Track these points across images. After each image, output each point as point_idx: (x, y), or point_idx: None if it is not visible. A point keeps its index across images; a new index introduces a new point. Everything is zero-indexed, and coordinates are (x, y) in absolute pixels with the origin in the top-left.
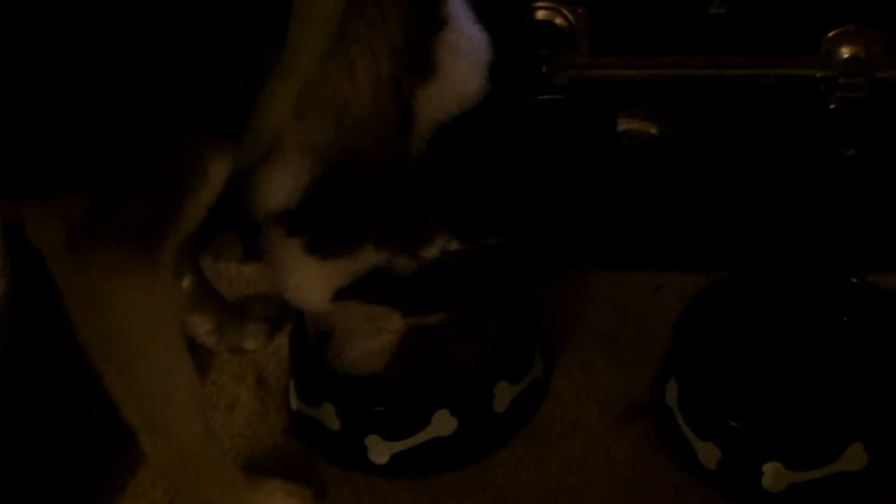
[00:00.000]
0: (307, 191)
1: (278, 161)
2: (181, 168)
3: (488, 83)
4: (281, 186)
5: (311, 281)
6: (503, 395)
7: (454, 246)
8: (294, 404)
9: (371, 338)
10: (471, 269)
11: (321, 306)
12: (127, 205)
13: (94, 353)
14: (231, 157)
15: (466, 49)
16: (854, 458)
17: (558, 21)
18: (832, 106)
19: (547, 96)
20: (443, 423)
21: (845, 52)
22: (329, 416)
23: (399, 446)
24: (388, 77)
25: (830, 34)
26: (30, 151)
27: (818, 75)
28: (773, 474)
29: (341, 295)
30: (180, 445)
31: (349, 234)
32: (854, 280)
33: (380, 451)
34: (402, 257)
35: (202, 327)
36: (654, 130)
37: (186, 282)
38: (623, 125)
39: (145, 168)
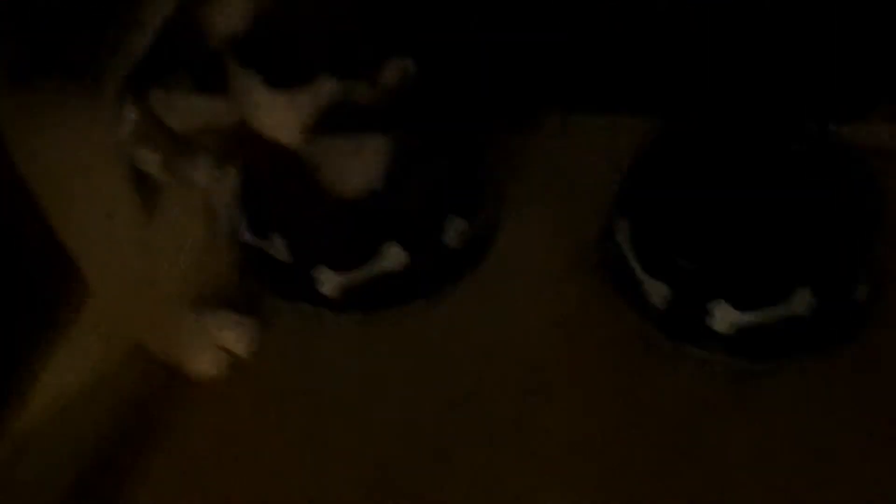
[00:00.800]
0: (256, 14)
1: None
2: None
3: None
4: (232, 7)
5: (277, 116)
6: (454, 229)
7: (407, 65)
8: (243, 237)
9: (356, 156)
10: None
11: (293, 140)
12: (68, 42)
13: (37, 187)
14: None
15: None
16: (801, 301)
17: None
18: None
19: None
20: (393, 256)
21: None
22: (279, 247)
23: (348, 279)
24: None
25: None
26: None
27: None
28: (720, 314)
29: (312, 129)
30: (123, 279)
31: (303, 64)
32: (813, 127)
33: (329, 282)
34: (361, 85)
35: (151, 160)
36: None
37: (134, 116)
38: None
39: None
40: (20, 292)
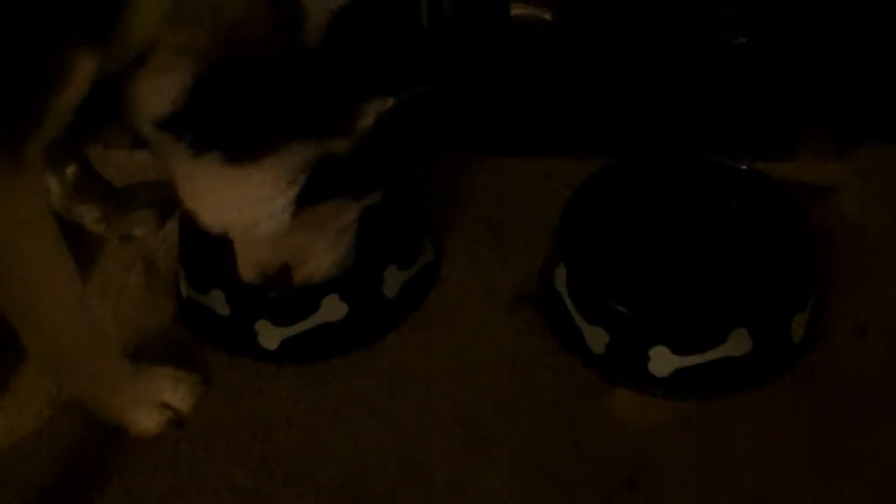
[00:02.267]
0: (192, 92)
1: (156, 66)
2: (46, 68)
3: None
4: (163, 90)
5: (254, 197)
6: (393, 279)
7: (389, 104)
8: (184, 291)
9: (334, 237)
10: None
11: (281, 226)
12: None
13: None
14: (97, 57)
15: None
16: (738, 342)
17: None
18: None
19: None
20: (332, 308)
21: None
22: (219, 301)
23: (289, 331)
24: None
25: None
26: None
27: None
28: (659, 359)
29: (301, 201)
30: (61, 343)
31: (268, 130)
32: (742, 168)
33: (269, 336)
34: (339, 139)
35: (89, 215)
36: (547, 17)
37: (71, 171)
38: (516, 10)
39: (6, 68)
40: None
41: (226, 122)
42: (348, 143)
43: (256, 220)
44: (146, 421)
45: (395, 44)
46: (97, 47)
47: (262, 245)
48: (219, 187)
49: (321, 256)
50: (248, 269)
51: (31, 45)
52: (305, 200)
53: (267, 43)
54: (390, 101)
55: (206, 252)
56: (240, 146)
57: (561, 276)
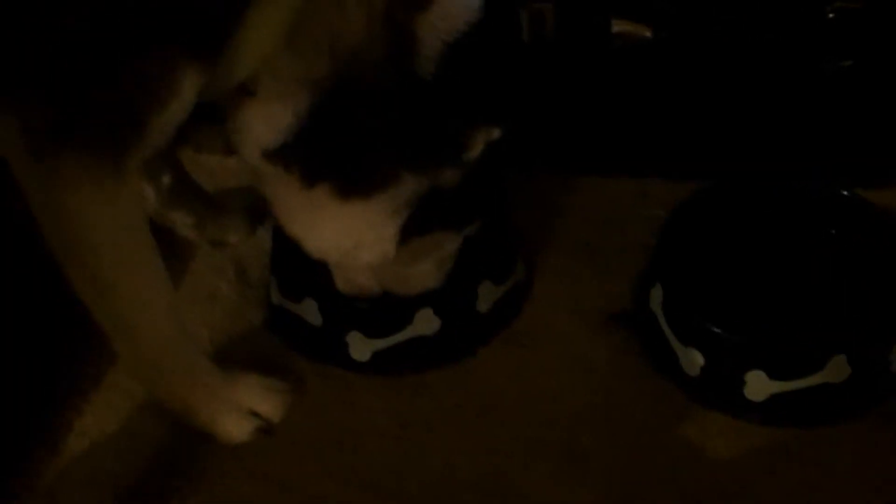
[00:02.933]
0: (306, 122)
1: (269, 94)
2: (151, 79)
3: None
4: (275, 119)
5: (362, 229)
6: (486, 295)
7: (496, 134)
8: (275, 299)
9: (434, 267)
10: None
11: (385, 256)
12: (92, 114)
13: (63, 261)
14: (204, 76)
15: None
16: (837, 369)
17: None
18: (830, 16)
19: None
20: (425, 322)
21: None
22: (311, 311)
23: (380, 344)
24: (382, 7)
25: None
26: None
27: None
28: (755, 383)
29: (406, 232)
30: (152, 349)
31: (381, 162)
32: (843, 193)
33: (361, 347)
34: (447, 170)
35: (183, 221)
36: (647, 33)
37: (166, 178)
38: (617, 27)
39: (113, 77)
40: (52, 347)
41: (339, 154)
42: (456, 175)
43: (361, 251)
44: (235, 428)
45: (502, 73)
46: (205, 64)
47: (362, 271)
48: (326, 218)
49: (420, 284)
50: (346, 288)
51: (136, 57)
52: (410, 232)
53: (382, 73)
54: (497, 131)
55: (299, 261)
56: (353, 179)
57: (656, 297)
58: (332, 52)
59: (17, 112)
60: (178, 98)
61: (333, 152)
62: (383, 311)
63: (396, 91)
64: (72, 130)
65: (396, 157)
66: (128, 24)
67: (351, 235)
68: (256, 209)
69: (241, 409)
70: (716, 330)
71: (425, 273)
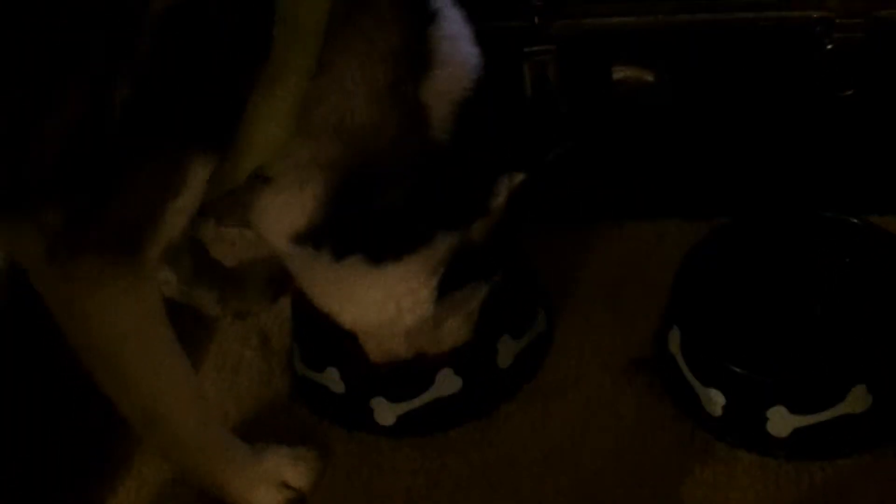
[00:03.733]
0: (329, 204)
1: (286, 181)
2: (160, 176)
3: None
4: (301, 206)
5: (398, 294)
6: (506, 350)
7: (519, 178)
8: (298, 369)
9: (465, 318)
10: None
11: (423, 318)
12: (104, 213)
13: (84, 358)
14: (213, 163)
15: (458, 31)
16: (857, 399)
17: None
18: (829, 47)
19: (541, 47)
20: (447, 382)
21: None
22: (333, 379)
23: (404, 407)
24: (385, 83)
25: None
26: None
27: (815, 16)
28: (777, 419)
29: (441, 290)
30: (178, 434)
31: (410, 227)
32: (855, 221)
33: (385, 412)
34: (477, 222)
35: (206, 298)
36: (650, 78)
37: (186, 261)
38: (618, 74)
39: (122, 175)
40: (83, 423)
41: (366, 227)
42: (485, 225)
43: (400, 317)
44: (267, 500)
45: (514, 118)
46: (213, 156)
47: (396, 337)
48: (361, 288)
49: (451, 341)
50: (379, 357)
51: (145, 155)
52: (445, 288)
53: (396, 146)
54: (519, 176)
55: (320, 329)
56: (383, 247)
57: (675, 339)
58: (341, 134)
59: (32, 219)
60: (189, 190)
61: (360, 226)
62: (405, 374)
63: (416, 158)
64: (88, 233)
65: (425, 220)
66: (136, 124)
67: (389, 302)
68: (277, 278)
69: (272, 480)
70: (734, 369)
71: (455, 328)
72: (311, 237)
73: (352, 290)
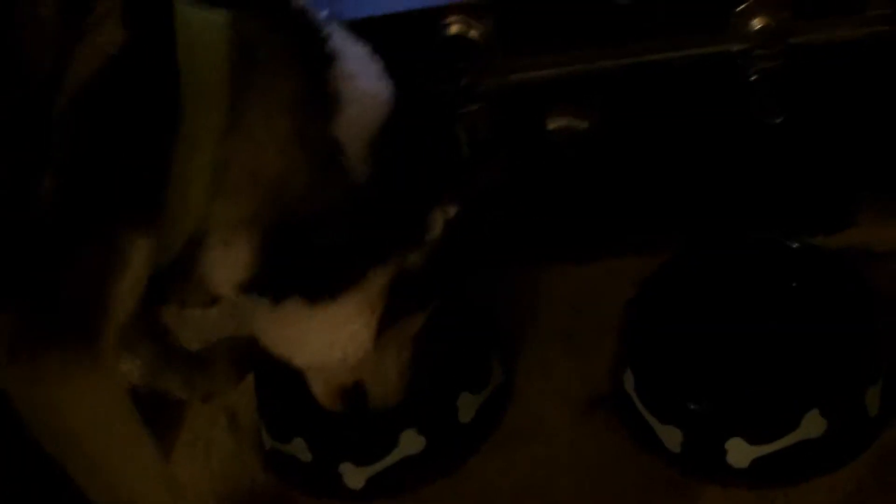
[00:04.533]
0: (261, 256)
1: (218, 243)
2: (99, 258)
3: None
4: (234, 262)
5: (342, 332)
6: (467, 405)
7: (453, 211)
8: (266, 443)
9: (402, 345)
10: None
11: (367, 351)
12: (54, 308)
13: (52, 451)
14: (150, 239)
15: (360, 69)
16: (812, 425)
17: (471, 33)
18: (752, 78)
19: (471, 107)
20: (411, 442)
21: (756, 24)
22: (301, 449)
23: (372, 469)
24: (292, 130)
25: (738, 8)
26: None
27: (735, 49)
28: (737, 450)
29: (381, 327)
30: None
31: (344, 266)
32: (796, 245)
33: (354, 476)
34: (412, 254)
35: (172, 383)
36: (584, 125)
37: (147, 348)
38: (552, 124)
39: (63, 266)
40: None
41: (300, 269)
42: (421, 256)
43: (346, 354)
44: None
45: (442, 150)
46: (146, 230)
47: (341, 370)
48: (303, 330)
49: (391, 368)
50: (326, 395)
51: (82, 243)
52: (386, 322)
53: (314, 190)
54: (453, 208)
55: (285, 401)
56: (318, 287)
57: (629, 380)
58: (257, 188)
59: None
60: (131, 270)
61: (294, 268)
62: (369, 437)
63: (337, 199)
64: (40, 329)
65: (358, 257)
66: (67, 211)
67: (334, 344)
68: (242, 357)
69: None
70: (690, 405)
71: (394, 357)
72: (255, 286)
73: (295, 333)
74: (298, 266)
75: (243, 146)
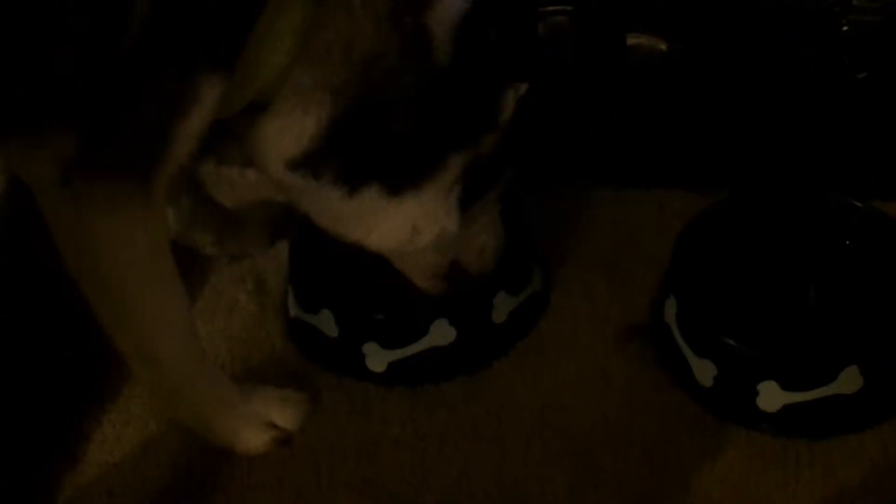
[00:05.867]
0: (330, 130)
1: (294, 104)
2: (172, 94)
3: None
4: (300, 132)
5: (420, 217)
6: (502, 306)
7: (524, 90)
8: (292, 311)
9: (490, 220)
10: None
11: (448, 232)
12: (119, 135)
13: (86, 287)
14: (223, 83)
15: None
16: (849, 380)
17: None
18: (845, 28)
19: (557, 8)
20: (441, 333)
21: None
22: (327, 322)
23: (397, 354)
24: (389, 9)
25: None
26: (10, 87)
27: None
28: (768, 394)
29: (464, 206)
30: (173, 372)
31: (424, 154)
32: (858, 205)
33: (377, 358)
34: (486, 137)
35: (203, 239)
36: (663, 47)
37: (185, 201)
38: (632, 40)
39: (136, 95)
40: (69, 358)
41: (377, 156)
42: (495, 139)
43: (425, 236)
44: (253, 440)
45: (517, 29)
46: (222, 74)
47: (428, 253)
48: (381, 219)
49: (484, 240)
50: (421, 278)
51: (157, 74)
52: (465, 203)
53: (401, 71)
54: (524, 87)
55: (316, 272)
56: (398, 175)
57: (670, 309)
58: (345, 59)
59: (44, 143)
60: (200, 108)
61: (370, 155)
62: (399, 321)
63: (421, 83)
64: (101, 155)
65: (437, 143)
66: (152, 42)
67: (409, 227)
68: (276, 222)
69: (259, 420)
70: (729, 341)
71: (484, 230)
72: (308, 164)
73: (371, 222)
74: (377, 152)
75: (340, 16)
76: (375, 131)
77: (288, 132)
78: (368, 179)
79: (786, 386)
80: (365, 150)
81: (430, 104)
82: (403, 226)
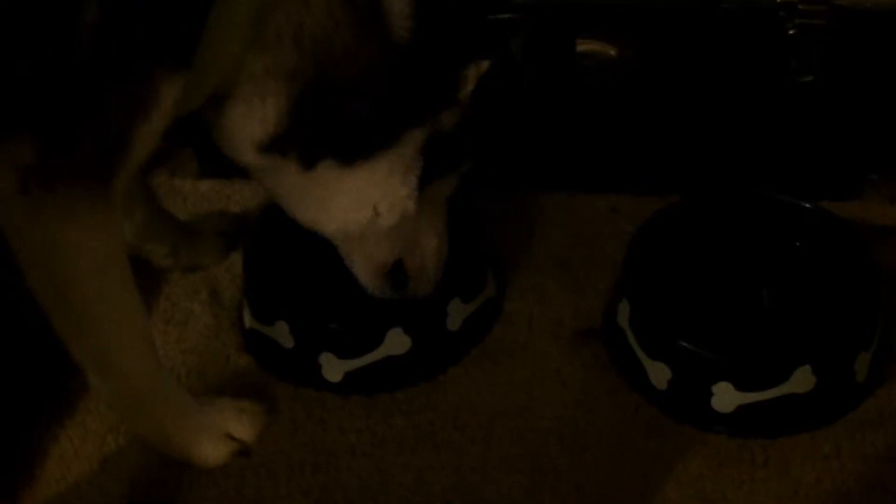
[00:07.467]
0: (292, 112)
1: (251, 92)
2: (131, 96)
3: None
4: (262, 117)
5: (378, 194)
6: (456, 313)
7: (485, 66)
8: (248, 322)
9: (436, 215)
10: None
11: (407, 213)
12: (79, 141)
13: (43, 296)
14: (181, 81)
15: None
16: (802, 380)
17: None
18: (791, 32)
19: (506, 15)
20: (396, 342)
21: None
22: (282, 333)
23: (353, 364)
24: None
25: None
26: None
27: (778, 0)
28: (723, 395)
29: (421, 183)
30: (130, 382)
31: (380, 127)
32: (807, 206)
33: (333, 368)
34: (445, 113)
35: (158, 252)
36: (613, 53)
37: (139, 213)
38: (582, 46)
39: (93, 100)
40: (26, 371)
41: (334, 131)
42: (454, 116)
43: (378, 218)
44: (211, 452)
45: (476, 5)
46: (181, 72)
47: (378, 243)
48: (336, 193)
49: (429, 239)
50: (366, 272)
51: (116, 79)
52: (424, 182)
53: (356, 50)
54: (485, 63)
55: (271, 283)
56: (353, 149)
57: (624, 312)
58: (296, 43)
59: (2, 151)
60: (159, 109)
61: (328, 131)
62: (354, 331)
63: (377, 61)
64: (61, 161)
65: (394, 118)
66: (106, 46)
67: (366, 202)
68: (229, 232)
69: (216, 432)
70: (682, 343)
71: (429, 227)
72: (277, 146)
73: (327, 197)
74: (333, 128)
75: (289, 1)
76: (332, 108)
77: (251, 118)
78: (324, 153)
79: (740, 386)
80: (324, 128)
81: (387, 80)
82: (362, 203)
